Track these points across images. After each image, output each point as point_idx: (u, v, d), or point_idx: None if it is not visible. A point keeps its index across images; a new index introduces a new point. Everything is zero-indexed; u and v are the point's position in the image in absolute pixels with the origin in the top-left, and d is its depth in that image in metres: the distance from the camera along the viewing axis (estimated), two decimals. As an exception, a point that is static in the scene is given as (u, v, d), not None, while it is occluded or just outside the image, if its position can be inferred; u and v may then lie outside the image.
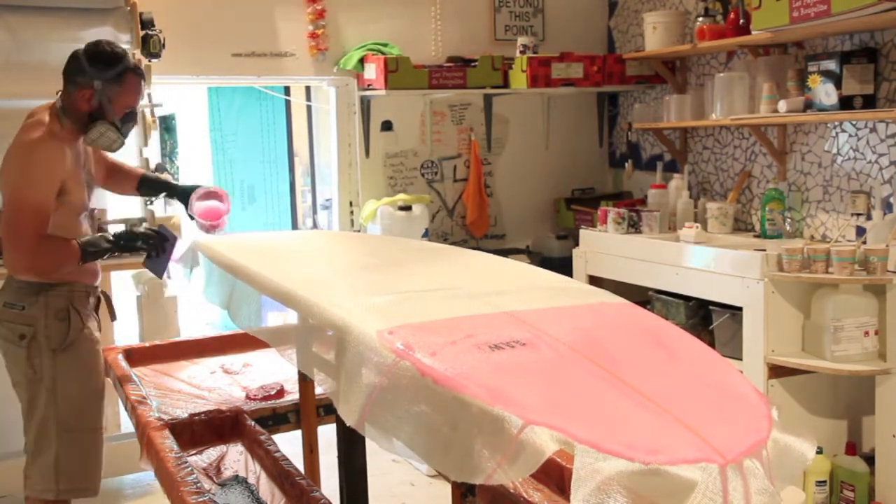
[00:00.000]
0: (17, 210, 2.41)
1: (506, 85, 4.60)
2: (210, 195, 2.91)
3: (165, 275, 2.81)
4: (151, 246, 2.65)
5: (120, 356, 2.90)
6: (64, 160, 2.50)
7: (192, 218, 2.91)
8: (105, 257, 2.61)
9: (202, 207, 2.87)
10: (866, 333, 3.15)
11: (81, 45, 3.40)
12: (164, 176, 3.28)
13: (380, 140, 4.71)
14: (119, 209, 3.70)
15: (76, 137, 2.59)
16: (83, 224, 2.65)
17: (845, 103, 3.41)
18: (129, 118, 2.63)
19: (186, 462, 2.01)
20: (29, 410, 2.61)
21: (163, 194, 3.09)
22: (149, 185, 3.01)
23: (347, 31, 4.55)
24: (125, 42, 3.64)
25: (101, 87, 2.52)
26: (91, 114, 2.54)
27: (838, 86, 3.42)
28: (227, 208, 2.91)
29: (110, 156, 2.89)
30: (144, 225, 3.17)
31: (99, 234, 2.61)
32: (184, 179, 7.06)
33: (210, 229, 2.88)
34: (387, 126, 4.72)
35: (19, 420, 2.99)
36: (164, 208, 3.93)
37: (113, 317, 2.95)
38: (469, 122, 4.90)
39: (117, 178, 2.96)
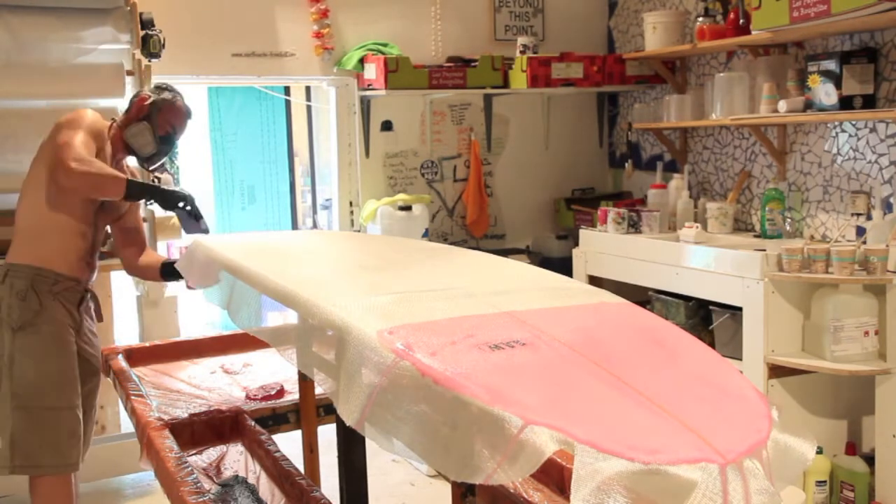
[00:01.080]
0: (69, 140, 2.62)
1: (506, 85, 4.60)
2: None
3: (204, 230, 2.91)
4: (188, 211, 2.80)
5: (120, 356, 2.90)
6: (100, 137, 2.74)
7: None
8: (148, 199, 2.82)
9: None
10: (866, 333, 3.15)
11: (81, 45, 3.44)
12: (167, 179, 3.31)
13: (380, 140, 4.71)
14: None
15: (118, 145, 2.87)
16: (89, 232, 2.82)
17: (845, 103, 3.41)
18: (168, 140, 2.91)
19: (186, 462, 2.01)
20: None
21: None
22: (167, 271, 3.01)
23: (347, 31, 4.55)
24: (125, 42, 3.64)
25: (155, 99, 2.89)
26: (141, 117, 2.87)
27: (838, 86, 3.42)
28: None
29: (145, 241, 3.11)
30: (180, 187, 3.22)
31: (150, 183, 2.84)
32: (184, 180, 7.07)
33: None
34: (387, 126, 4.72)
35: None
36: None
37: (99, 318, 2.95)
38: (469, 122, 4.90)
39: (144, 263, 3.04)
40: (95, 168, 2.60)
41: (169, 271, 2.97)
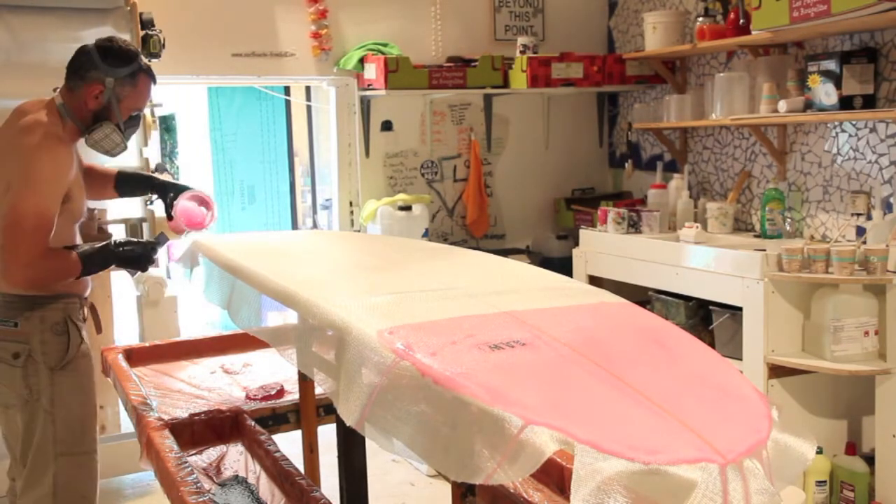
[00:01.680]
0: (19, 220, 2.22)
1: (506, 85, 4.60)
2: (196, 199, 2.74)
3: (165, 273, 2.76)
4: (148, 262, 2.50)
5: (120, 356, 2.90)
6: (70, 165, 2.36)
7: (170, 217, 2.72)
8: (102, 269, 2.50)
9: (185, 208, 2.71)
10: (866, 333, 3.15)
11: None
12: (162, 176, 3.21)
13: (380, 140, 4.71)
14: (119, 209, 3.70)
15: (76, 138, 2.45)
16: (75, 231, 2.50)
17: (845, 103, 3.41)
18: (134, 122, 2.51)
19: (186, 462, 2.01)
20: (26, 435, 2.37)
21: (146, 194, 2.87)
22: (126, 183, 2.75)
23: (347, 31, 4.55)
24: (125, 42, 3.64)
25: (113, 85, 2.41)
26: (96, 113, 2.42)
27: (838, 86, 3.42)
28: (212, 216, 2.76)
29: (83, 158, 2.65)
30: (146, 237, 2.98)
31: (99, 246, 2.43)
32: (184, 180, 7.07)
33: (189, 229, 2.74)
34: (387, 126, 4.72)
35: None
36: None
37: (98, 329, 2.70)
38: (469, 122, 4.90)
39: (93, 182, 2.65)
40: (46, 272, 2.29)
41: (125, 184, 2.74)
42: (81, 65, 2.42)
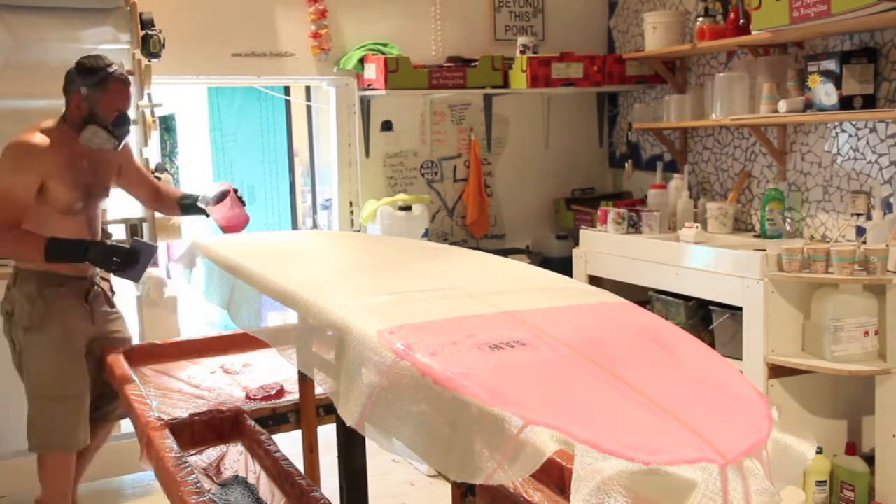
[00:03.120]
0: None
1: (506, 85, 4.60)
2: (222, 196, 3.15)
3: (140, 282, 3.12)
4: (119, 264, 2.82)
5: (120, 356, 2.90)
6: (41, 159, 2.74)
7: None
8: (72, 259, 2.79)
9: (226, 216, 3.15)
10: (866, 333, 3.15)
11: (81, 45, 3.46)
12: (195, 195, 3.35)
13: (380, 140, 4.71)
14: (120, 209, 3.70)
15: (74, 141, 2.85)
16: (72, 224, 2.85)
17: (845, 103, 3.41)
18: (121, 121, 2.87)
19: (186, 462, 2.01)
20: (21, 377, 2.95)
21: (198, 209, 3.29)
22: (185, 206, 3.30)
23: (347, 31, 4.55)
24: (125, 42, 3.64)
25: (87, 93, 2.81)
26: (85, 118, 2.83)
27: (838, 86, 3.42)
28: (244, 209, 3.21)
29: (155, 180, 3.28)
30: (115, 239, 3.27)
31: (76, 240, 2.79)
32: (184, 179, 7.07)
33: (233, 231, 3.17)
34: (387, 126, 4.72)
35: (18, 420, 3.01)
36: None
37: (111, 305, 3.14)
38: (469, 122, 4.90)
39: (163, 201, 3.29)
40: (2, 242, 2.72)
41: (188, 206, 3.25)
42: (66, 82, 2.89)
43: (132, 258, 2.82)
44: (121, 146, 2.93)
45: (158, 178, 3.38)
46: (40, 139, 2.78)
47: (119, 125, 2.87)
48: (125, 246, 2.84)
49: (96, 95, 2.82)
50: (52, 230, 2.76)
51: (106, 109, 2.83)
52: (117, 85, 2.85)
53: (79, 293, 2.94)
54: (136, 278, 2.95)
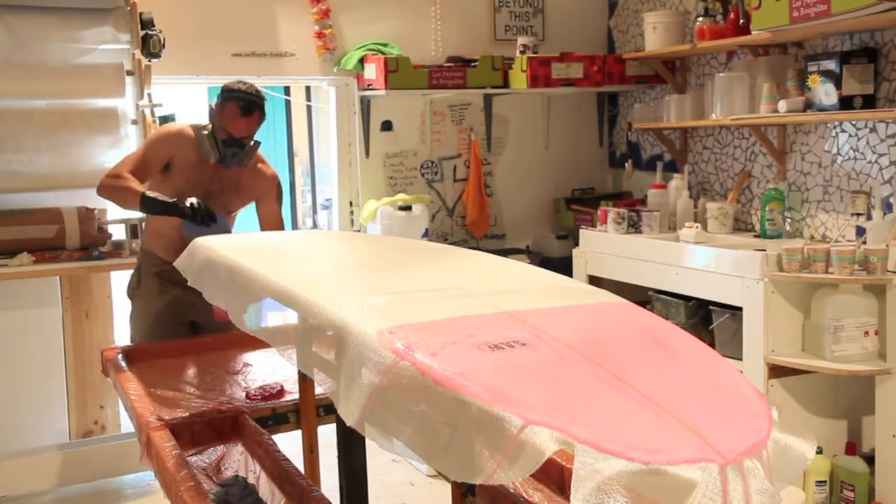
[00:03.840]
0: (121, 160, 3.18)
1: (506, 85, 4.60)
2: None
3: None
4: (196, 214, 2.99)
5: (120, 356, 2.90)
6: (172, 142, 3.17)
7: None
8: (157, 211, 3.05)
9: None
10: (866, 333, 3.15)
11: (81, 45, 3.48)
12: None
13: (380, 140, 4.71)
14: (119, 210, 3.71)
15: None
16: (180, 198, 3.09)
17: (845, 103, 3.41)
18: (232, 143, 3.12)
19: (186, 462, 2.01)
20: None
21: None
22: None
23: (347, 31, 4.55)
24: (125, 42, 3.64)
25: (215, 107, 3.15)
26: (213, 129, 3.15)
27: (838, 86, 3.42)
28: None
29: (276, 210, 3.45)
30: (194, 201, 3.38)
31: (169, 200, 3.06)
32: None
33: None
34: (387, 126, 4.72)
35: (18, 420, 3.01)
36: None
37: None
38: (469, 122, 4.90)
39: (267, 226, 3.45)
40: (116, 183, 3.05)
41: None
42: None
43: (211, 220, 3.00)
44: (226, 165, 3.15)
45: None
46: (182, 128, 3.21)
47: (227, 145, 3.12)
48: (214, 211, 3.04)
49: (219, 112, 3.13)
50: (167, 222, 3.14)
51: (220, 127, 3.12)
52: (232, 107, 3.09)
53: (175, 280, 3.01)
54: (193, 235, 2.96)
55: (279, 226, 3.45)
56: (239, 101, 3.09)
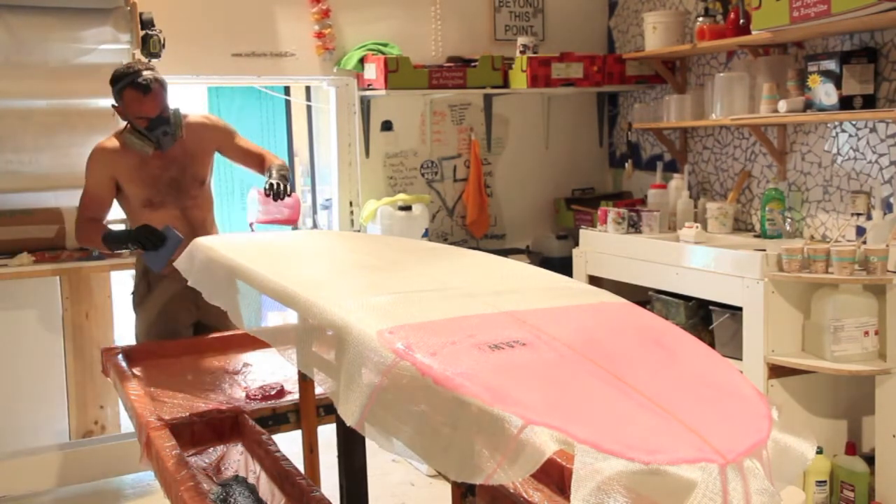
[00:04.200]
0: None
1: (506, 85, 4.60)
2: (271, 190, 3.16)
3: (160, 270, 3.10)
4: (147, 243, 2.97)
5: (120, 356, 2.90)
6: (108, 162, 3.06)
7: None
8: (121, 248, 3.13)
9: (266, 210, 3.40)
10: (866, 333, 3.15)
11: (81, 45, 3.49)
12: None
13: (380, 140, 4.71)
14: (119, 210, 3.71)
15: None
16: (163, 215, 3.09)
17: (845, 103, 3.41)
18: (155, 125, 2.99)
19: (186, 462, 2.01)
20: None
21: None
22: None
23: (347, 31, 4.55)
24: (125, 42, 3.64)
25: (119, 104, 3.03)
26: (130, 123, 3.04)
27: (838, 86, 3.42)
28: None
29: (261, 151, 3.31)
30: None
31: (124, 230, 3.18)
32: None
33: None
34: (387, 126, 4.72)
35: (18, 420, 3.02)
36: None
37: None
38: (469, 122, 4.90)
39: (250, 163, 3.33)
40: (84, 236, 3.13)
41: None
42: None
43: (159, 241, 2.94)
44: (164, 147, 3.04)
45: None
46: (109, 143, 3.08)
47: (154, 128, 2.98)
48: (157, 229, 2.96)
49: (122, 106, 3.01)
50: (137, 220, 3.09)
51: (133, 117, 2.99)
52: (132, 93, 2.96)
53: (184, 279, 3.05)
54: (158, 265, 3.02)
55: (260, 152, 3.31)
56: (133, 85, 2.96)
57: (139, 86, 2.95)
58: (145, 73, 2.97)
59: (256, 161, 3.32)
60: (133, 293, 3.30)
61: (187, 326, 3.28)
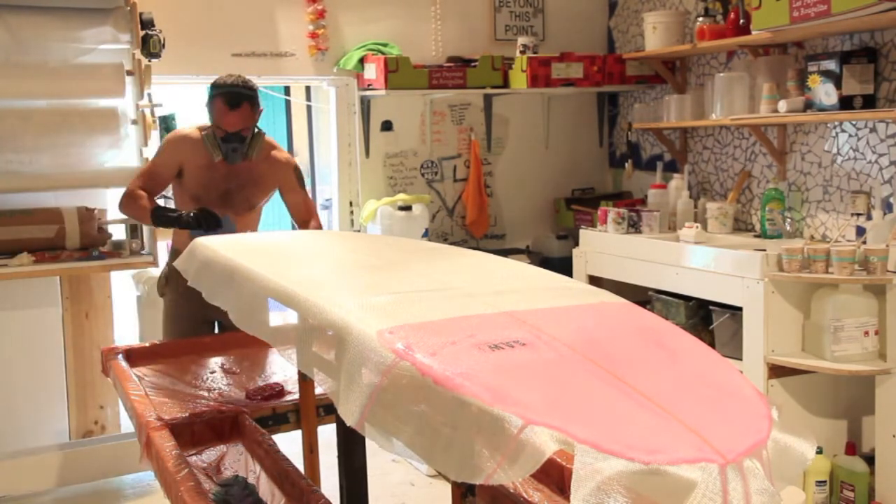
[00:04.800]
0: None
1: (506, 85, 4.60)
2: None
3: None
4: (200, 223, 3.07)
5: (120, 356, 2.90)
6: (180, 147, 3.23)
7: None
8: (168, 224, 3.19)
9: None
10: (866, 333, 3.15)
11: (81, 45, 3.49)
12: None
13: (380, 140, 4.71)
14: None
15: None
16: (199, 201, 3.20)
17: (845, 103, 3.41)
18: (230, 138, 3.12)
19: (186, 462, 2.01)
20: None
21: None
22: None
23: (347, 31, 4.55)
24: (125, 42, 3.64)
25: (209, 106, 3.16)
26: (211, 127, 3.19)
27: (838, 86, 3.42)
28: None
29: (308, 212, 3.46)
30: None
31: (176, 210, 3.21)
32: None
33: None
34: (387, 126, 4.72)
35: (18, 420, 3.02)
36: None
37: None
38: (469, 122, 4.90)
39: (296, 216, 3.49)
40: (129, 202, 3.21)
41: None
42: None
43: (216, 224, 3.05)
44: (231, 161, 3.16)
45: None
46: (188, 132, 3.25)
47: (226, 141, 3.13)
48: (217, 214, 3.09)
49: (210, 110, 3.16)
50: (182, 207, 3.22)
51: (216, 124, 3.14)
52: (222, 104, 3.10)
53: None
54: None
55: (309, 211, 3.44)
56: (223, 96, 3.09)
57: (228, 100, 3.08)
58: (240, 90, 3.10)
59: (303, 217, 3.46)
60: (161, 277, 3.39)
61: (208, 323, 3.35)
